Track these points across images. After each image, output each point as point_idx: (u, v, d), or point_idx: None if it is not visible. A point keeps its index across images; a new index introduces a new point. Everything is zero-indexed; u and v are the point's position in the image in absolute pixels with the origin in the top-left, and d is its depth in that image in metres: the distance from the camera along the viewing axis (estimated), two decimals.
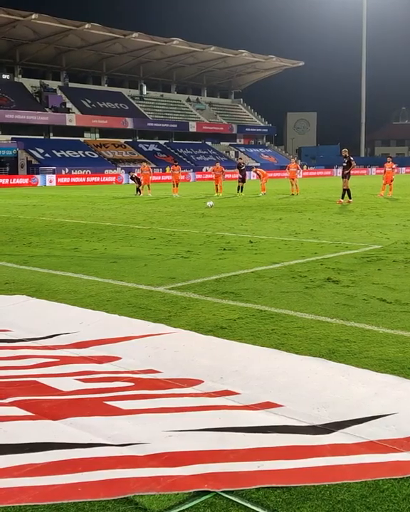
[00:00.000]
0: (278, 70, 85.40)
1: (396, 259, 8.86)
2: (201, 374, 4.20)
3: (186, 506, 2.65)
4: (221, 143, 78.66)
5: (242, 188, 27.84)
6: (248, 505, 2.66)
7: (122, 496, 2.71)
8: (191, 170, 60.86)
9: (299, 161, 30.38)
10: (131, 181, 46.59)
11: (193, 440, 3.21)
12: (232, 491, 2.75)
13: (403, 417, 3.45)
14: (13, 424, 3.43)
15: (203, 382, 4.07)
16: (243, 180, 28.15)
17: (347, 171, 21.69)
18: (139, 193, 29.04)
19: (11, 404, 3.70)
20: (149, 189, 29.15)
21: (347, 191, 21.35)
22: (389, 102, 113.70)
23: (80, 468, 2.91)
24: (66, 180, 49.54)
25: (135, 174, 31.70)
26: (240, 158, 34.15)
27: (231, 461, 2.98)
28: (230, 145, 79.51)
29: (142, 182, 29.39)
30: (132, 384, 4.04)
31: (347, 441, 3.21)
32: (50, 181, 47.97)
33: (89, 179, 50.85)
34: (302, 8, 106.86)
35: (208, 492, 2.74)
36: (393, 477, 2.85)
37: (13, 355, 4.66)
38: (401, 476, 2.86)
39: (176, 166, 29.48)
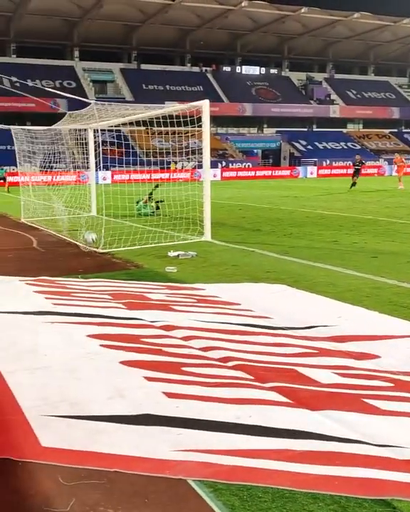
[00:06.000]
0: None
1: None
2: None
3: None
4: None
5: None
6: None
7: (380, 498, 2.66)
8: None
9: None
10: (394, 173, 44.85)
11: None
12: None
13: None
14: (272, 408, 3.57)
15: None
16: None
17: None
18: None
19: (271, 389, 3.86)
20: (400, 181, 27.73)
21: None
22: None
23: (337, 462, 2.92)
24: (327, 171, 49.72)
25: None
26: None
27: None
28: None
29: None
30: (392, 385, 3.91)
31: None
32: (311, 173, 48.62)
33: (350, 171, 50.29)
34: None
35: None
36: None
37: (273, 342, 4.84)
38: None
39: None
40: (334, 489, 2.72)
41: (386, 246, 9.80)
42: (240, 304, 6.13)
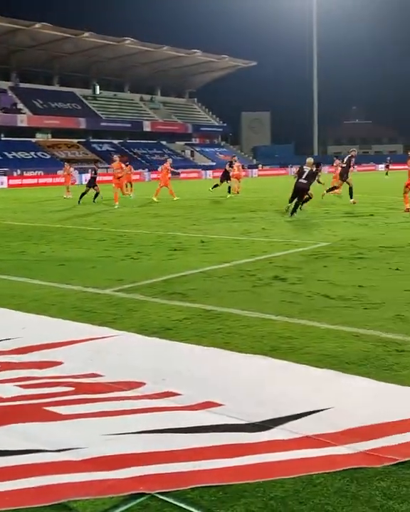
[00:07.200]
0: (231, 69, 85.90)
1: (342, 256, 9.02)
2: (144, 376, 4.19)
3: (120, 509, 2.65)
4: (176, 142, 78.61)
5: (229, 188, 26.25)
6: (183, 505, 2.67)
7: (56, 502, 2.69)
8: (146, 170, 60.63)
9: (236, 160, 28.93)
10: (84, 182, 45.20)
11: (131, 443, 3.20)
12: (167, 492, 2.76)
13: (338, 412, 3.52)
14: None
15: (145, 384, 4.06)
16: (228, 178, 26.62)
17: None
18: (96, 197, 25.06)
19: None
20: (68, 190, 28.49)
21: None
22: (340, 101, 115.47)
23: (14, 476, 2.88)
24: (18, 182, 48.68)
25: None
26: (234, 156, 31.38)
27: (167, 462, 2.99)
28: (185, 144, 79.53)
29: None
30: (73, 389, 4.01)
31: (283, 437, 3.26)
32: (1, 183, 47.08)
33: (41, 180, 50.05)
34: (253, 8, 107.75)
35: (144, 494, 2.75)
36: (327, 471, 2.91)
37: None
38: (334, 470, 2.92)
39: (127, 165, 29.20)
40: (10, 504, 2.66)
41: (73, 253, 10.02)
42: None
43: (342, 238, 11.06)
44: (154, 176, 57.23)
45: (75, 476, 2.87)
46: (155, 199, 23.64)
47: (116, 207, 20.80)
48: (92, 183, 24.76)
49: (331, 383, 3.97)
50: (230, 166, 27.01)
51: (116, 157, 24.35)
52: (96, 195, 24.41)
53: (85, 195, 23.96)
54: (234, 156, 28.09)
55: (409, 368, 4.17)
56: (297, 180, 16.04)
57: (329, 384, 3.96)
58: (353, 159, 19.58)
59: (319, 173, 17.70)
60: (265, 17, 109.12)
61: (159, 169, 26.00)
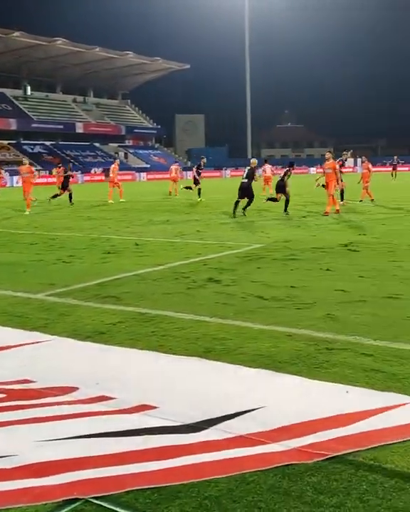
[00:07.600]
0: (165, 72, 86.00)
1: (275, 258, 9.18)
2: (77, 381, 4.15)
3: None
4: (110, 144, 77.95)
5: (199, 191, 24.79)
6: (118, 509, 2.66)
7: None
8: (80, 171, 59.82)
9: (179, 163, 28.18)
10: (16, 184, 44.23)
11: (64, 448, 3.16)
12: (102, 497, 2.74)
13: (270, 410, 3.59)
14: None
15: (78, 389, 4.02)
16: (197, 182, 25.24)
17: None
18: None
19: None
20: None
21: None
22: (273, 105, 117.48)
23: None
24: None
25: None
26: (203, 158, 29.50)
27: (101, 466, 2.98)
28: (119, 146, 78.95)
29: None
30: (4, 395, 3.92)
31: (217, 437, 3.29)
32: None
33: None
34: (187, 11, 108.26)
35: (78, 499, 2.72)
36: (260, 469, 2.96)
37: None
38: (267, 467, 2.97)
39: (60, 167, 28.70)
40: None
41: (3, 257, 9.78)
42: None
43: (276, 240, 11.26)
44: (87, 178, 56.86)
45: (6, 484, 2.81)
46: (122, 200, 23.76)
47: (26, 213, 19.84)
48: (66, 185, 24.31)
49: (264, 382, 4.04)
50: (199, 167, 26.46)
51: (26, 160, 23.51)
52: (70, 196, 24.01)
53: (60, 197, 23.75)
54: (203, 158, 27.15)
55: (339, 366, 4.30)
56: (241, 180, 17.02)
57: (262, 383, 4.03)
58: (339, 159, 20.44)
59: (290, 174, 18.58)
60: (199, 20, 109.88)
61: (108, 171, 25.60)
